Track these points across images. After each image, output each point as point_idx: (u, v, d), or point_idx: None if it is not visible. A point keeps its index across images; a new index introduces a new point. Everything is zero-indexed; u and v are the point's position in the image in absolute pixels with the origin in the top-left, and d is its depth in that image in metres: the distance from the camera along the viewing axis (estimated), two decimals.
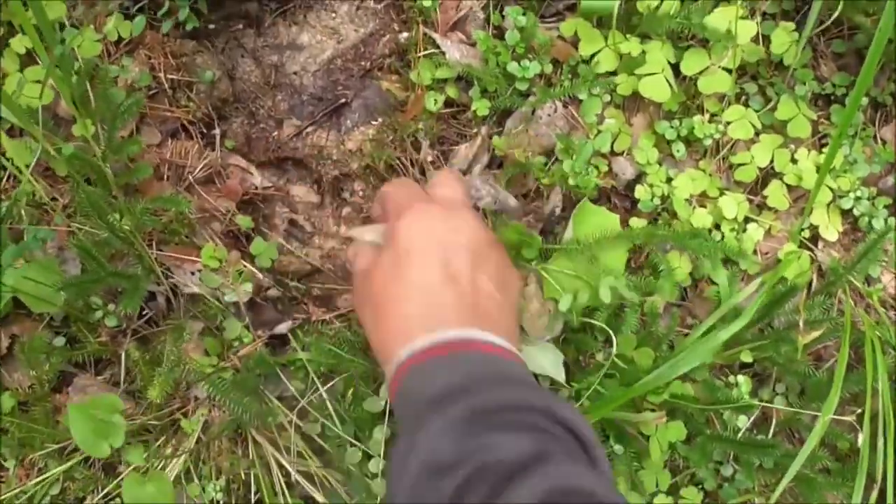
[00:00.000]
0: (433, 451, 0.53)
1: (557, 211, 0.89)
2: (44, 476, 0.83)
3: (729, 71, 0.87)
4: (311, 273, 0.90)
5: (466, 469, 0.51)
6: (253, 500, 0.84)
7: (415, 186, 0.74)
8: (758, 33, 0.89)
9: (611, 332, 0.78)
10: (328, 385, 0.83)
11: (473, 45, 0.91)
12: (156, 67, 0.87)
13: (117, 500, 0.85)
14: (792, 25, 0.89)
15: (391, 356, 0.62)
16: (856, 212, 0.89)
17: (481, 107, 0.88)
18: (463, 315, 0.63)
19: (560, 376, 0.81)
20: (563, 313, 0.80)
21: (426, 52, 0.90)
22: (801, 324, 0.78)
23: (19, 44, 0.81)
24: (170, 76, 0.88)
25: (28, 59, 0.83)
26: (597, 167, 0.91)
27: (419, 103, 0.89)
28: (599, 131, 0.90)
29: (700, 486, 0.85)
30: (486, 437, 0.53)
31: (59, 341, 0.85)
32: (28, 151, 0.80)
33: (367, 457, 0.82)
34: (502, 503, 0.49)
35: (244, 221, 0.87)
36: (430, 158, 0.89)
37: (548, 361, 0.81)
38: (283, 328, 0.85)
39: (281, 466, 0.83)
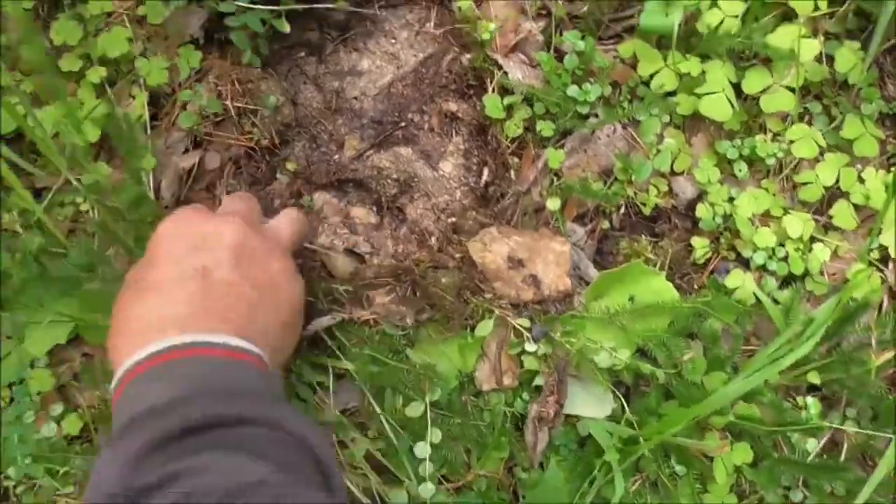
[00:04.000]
0: (124, 478, 0.47)
1: None
2: None
3: (792, 90, 0.86)
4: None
5: (168, 498, 0.46)
6: None
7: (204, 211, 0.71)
8: (821, 52, 0.88)
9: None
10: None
11: (534, 66, 0.92)
12: (223, 94, 0.90)
13: None
14: (857, 44, 0.88)
15: (116, 367, 0.57)
16: None
17: (546, 128, 0.88)
18: (202, 315, 0.58)
19: (603, 413, 0.81)
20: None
21: (484, 67, 0.91)
22: (874, 343, 0.75)
23: (95, 74, 0.85)
24: (236, 103, 0.90)
25: (102, 89, 0.87)
26: (656, 187, 0.91)
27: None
28: (659, 151, 0.90)
29: None
30: (193, 458, 0.48)
31: None
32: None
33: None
34: None
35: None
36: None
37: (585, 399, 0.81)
38: (324, 321, 0.84)
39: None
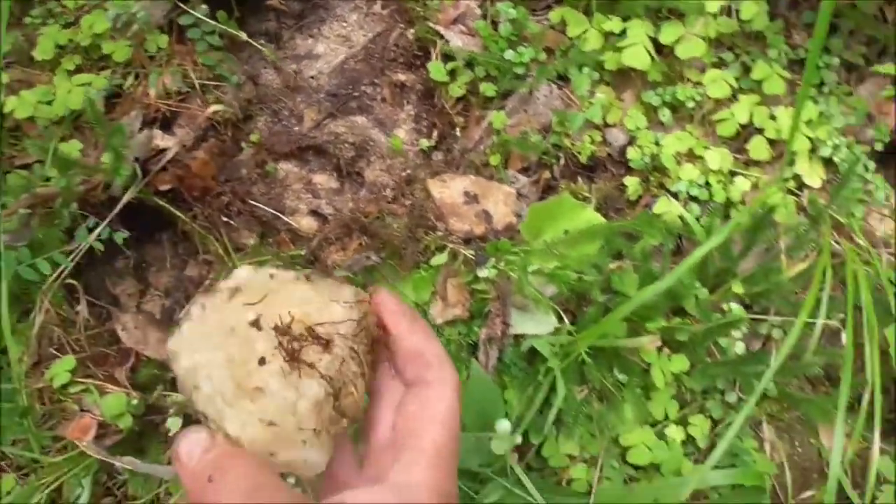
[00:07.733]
0: None
1: None
2: None
3: (704, 38, 0.95)
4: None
5: None
6: None
7: None
8: (729, 6, 0.98)
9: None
10: None
11: (473, 35, 1.01)
12: (187, 73, 0.98)
13: None
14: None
15: None
16: (836, 159, 0.96)
17: (488, 89, 0.97)
18: None
19: (546, 330, 0.88)
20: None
21: (428, 38, 1.00)
22: (783, 247, 0.83)
23: (70, 62, 0.94)
24: (199, 80, 0.98)
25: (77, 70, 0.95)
26: (591, 137, 0.99)
27: None
28: (591, 104, 0.99)
29: (708, 415, 0.89)
30: None
31: None
32: None
33: None
34: None
35: None
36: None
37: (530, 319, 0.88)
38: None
39: None
